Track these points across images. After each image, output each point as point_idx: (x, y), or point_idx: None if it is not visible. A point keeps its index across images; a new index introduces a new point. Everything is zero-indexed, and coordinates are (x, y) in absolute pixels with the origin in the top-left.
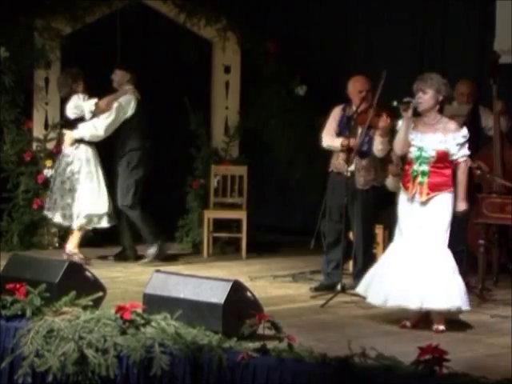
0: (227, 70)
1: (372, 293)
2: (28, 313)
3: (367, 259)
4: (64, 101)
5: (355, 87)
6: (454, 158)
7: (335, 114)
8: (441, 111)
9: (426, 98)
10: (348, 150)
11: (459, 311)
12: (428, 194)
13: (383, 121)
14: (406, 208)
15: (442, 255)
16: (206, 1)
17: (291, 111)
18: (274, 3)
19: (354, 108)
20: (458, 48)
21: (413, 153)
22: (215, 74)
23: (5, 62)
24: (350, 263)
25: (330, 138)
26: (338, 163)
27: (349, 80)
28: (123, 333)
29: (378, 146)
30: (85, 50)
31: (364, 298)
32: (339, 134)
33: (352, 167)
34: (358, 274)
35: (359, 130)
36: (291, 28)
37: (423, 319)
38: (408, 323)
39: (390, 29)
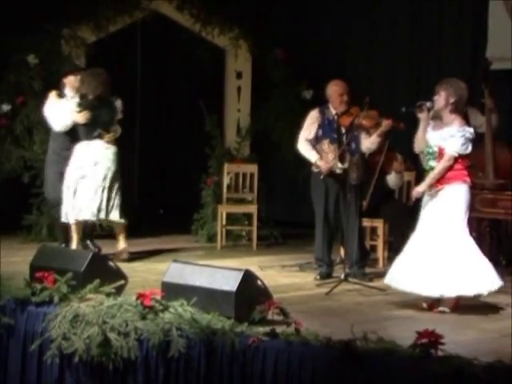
0: (239, 75)
1: (400, 281)
2: (56, 299)
3: (363, 250)
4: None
5: (336, 91)
6: (444, 148)
7: (313, 118)
8: (456, 112)
9: (438, 99)
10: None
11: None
12: (436, 186)
13: (386, 124)
14: (423, 201)
15: (464, 243)
16: (219, 11)
17: (298, 113)
18: (283, 14)
19: (333, 110)
20: (452, 53)
21: (426, 149)
22: (228, 79)
23: (34, 68)
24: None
25: (306, 148)
26: (328, 161)
27: (327, 84)
28: (143, 318)
29: (371, 146)
30: (108, 57)
31: (383, 290)
32: (322, 136)
33: (346, 165)
34: (355, 264)
35: (343, 131)
36: (298, 36)
37: (436, 301)
38: (425, 305)
39: (389, 35)
